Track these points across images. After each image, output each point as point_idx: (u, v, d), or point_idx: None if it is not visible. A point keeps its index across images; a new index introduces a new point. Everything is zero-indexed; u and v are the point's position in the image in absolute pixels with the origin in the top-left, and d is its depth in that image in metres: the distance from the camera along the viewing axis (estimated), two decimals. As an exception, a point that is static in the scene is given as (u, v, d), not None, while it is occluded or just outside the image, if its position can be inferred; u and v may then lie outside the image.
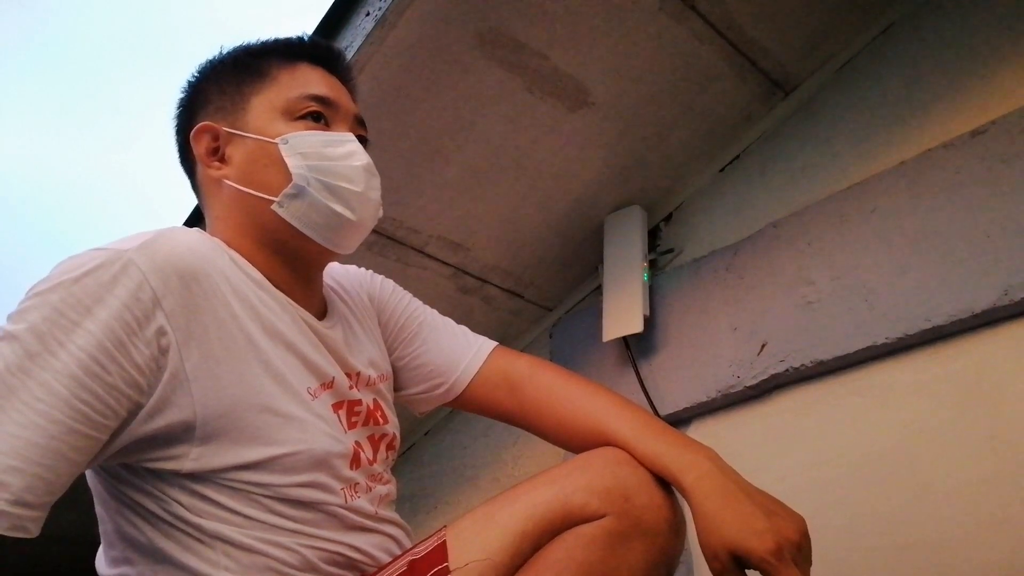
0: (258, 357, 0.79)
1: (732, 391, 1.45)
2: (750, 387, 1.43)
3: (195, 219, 1.43)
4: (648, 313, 1.59)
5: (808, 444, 1.35)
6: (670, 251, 1.68)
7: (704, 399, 1.49)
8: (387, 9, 1.24)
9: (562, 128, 1.52)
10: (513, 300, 1.83)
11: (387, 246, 1.62)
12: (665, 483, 0.83)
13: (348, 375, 0.90)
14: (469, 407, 1.03)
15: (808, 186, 1.50)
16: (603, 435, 0.88)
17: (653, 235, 1.72)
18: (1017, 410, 1.15)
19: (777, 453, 1.38)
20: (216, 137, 0.89)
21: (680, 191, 1.70)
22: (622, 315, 1.60)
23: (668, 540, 0.80)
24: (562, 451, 1.41)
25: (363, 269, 1.08)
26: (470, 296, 1.78)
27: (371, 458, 0.89)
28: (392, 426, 0.96)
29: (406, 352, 1.03)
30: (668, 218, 1.73)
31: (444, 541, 0.79)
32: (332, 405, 0.86)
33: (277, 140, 0.86)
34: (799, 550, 0.76)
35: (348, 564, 0.83)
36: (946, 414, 1.22)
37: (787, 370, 1.39)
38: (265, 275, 0.85)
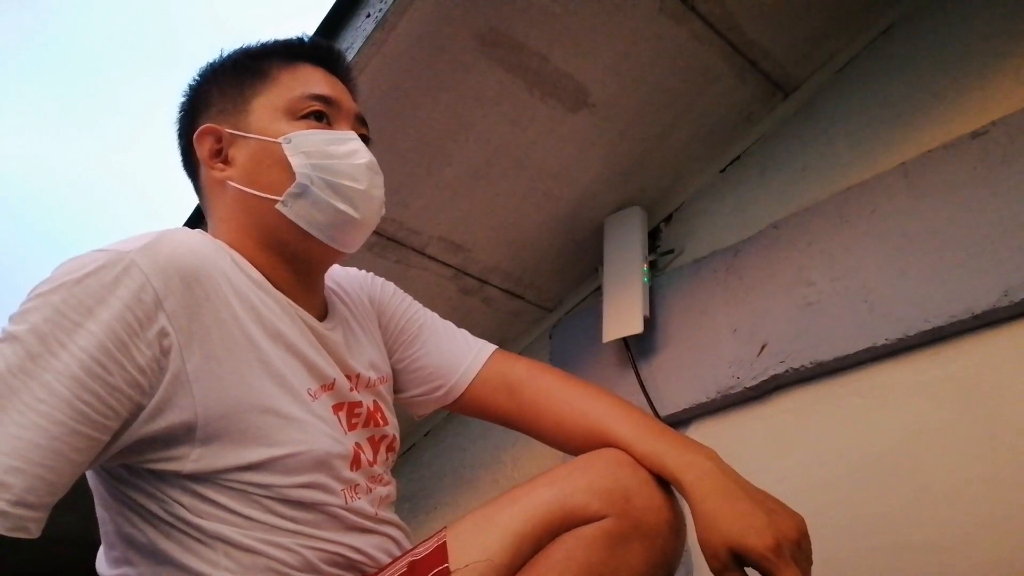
0: (259, 358, 0.80)
1: (732, 392, 1.45)
2: (750, 388, 1.43)
3: (196, 220, 1.43)
4: (648, 314, 1.59)
5: (808, 445, 1.35)
6: (670, 252, 1.68)
7: (704, 400, 1.49)
8: (387, 10, 1.24)
9: (562, 129, 1.52)
10: (513, 301, 1.83)
11: (387, 247, 1.62)
12: (665, 484, 0.83)
13: (348, 377, 0.90)
14: (468, 410, 1.03)
15: (808, 187, 1.50)
16: (602, 436, 0.88)
17: (653, 236, 1.72)
18: (1017, 411, 1.15)
19: (777, 454, 1.38)
20: (219, 139, 0.90)
21: (680, 192, 1.70)
22: (622, 316, 1.60)
23: (668, 541, 0.80)
24: (561, 453, 1.41)
25: (364, 271, 1.08)
26: (470, 297, 1.78)
27: (371, 459, 0.90)
28: (392, 428, 0.96)
29: (406, 355, 1.03)
30: (668, 219, 1.73)
31: (444, 542, 0.79)
32: (332, 406, 0.86)
33: (280, 140, 0.87)
34: (799, 548, 0.76)
35: (348, 565, 0.83)
36: (946, 415, 1.22)
37: (787, 371, 1.39)
38: (267, 276, 0.86)
